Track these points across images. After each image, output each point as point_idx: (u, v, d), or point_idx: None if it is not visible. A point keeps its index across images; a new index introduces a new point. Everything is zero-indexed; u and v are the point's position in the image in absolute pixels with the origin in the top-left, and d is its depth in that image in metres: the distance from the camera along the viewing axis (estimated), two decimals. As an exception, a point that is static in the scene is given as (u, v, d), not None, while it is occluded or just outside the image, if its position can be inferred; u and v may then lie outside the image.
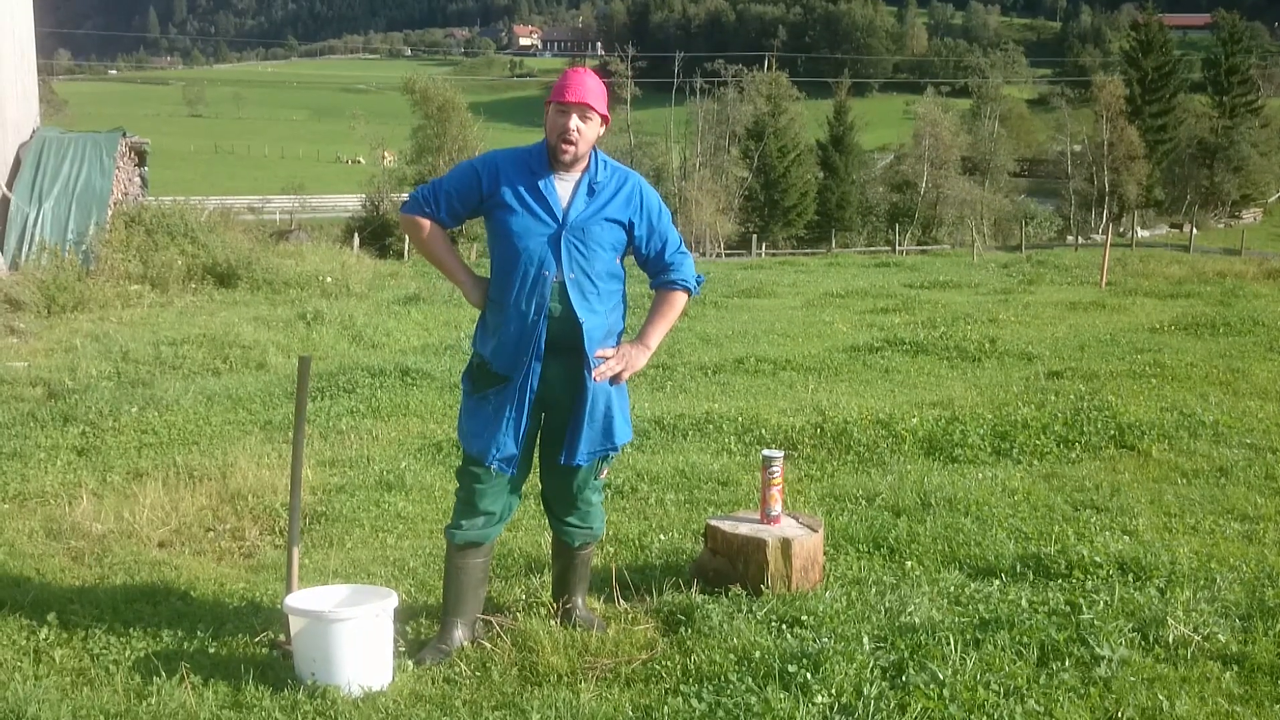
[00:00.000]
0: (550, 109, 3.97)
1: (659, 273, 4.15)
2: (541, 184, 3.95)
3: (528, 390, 3.96)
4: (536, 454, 4.21)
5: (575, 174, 4.00)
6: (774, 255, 43.24)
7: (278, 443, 7.41)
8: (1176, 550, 4.98)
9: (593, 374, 3.96)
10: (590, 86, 3.95)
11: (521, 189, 3.95)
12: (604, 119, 3.99)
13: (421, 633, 4.28)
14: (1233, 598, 4.34)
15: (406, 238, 34.77)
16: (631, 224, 4.04)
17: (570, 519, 4.22)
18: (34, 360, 10.54)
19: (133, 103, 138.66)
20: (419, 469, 6.78)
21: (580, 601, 4.33)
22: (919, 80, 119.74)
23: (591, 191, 3.99)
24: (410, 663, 3.97)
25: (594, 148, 4.04)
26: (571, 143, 3.91)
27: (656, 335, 4.13)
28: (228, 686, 3.77)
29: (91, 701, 3.66)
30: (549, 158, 3.99)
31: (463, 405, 4.14)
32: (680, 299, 4.17)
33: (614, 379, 4.04)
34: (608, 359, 3.99)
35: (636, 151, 55.42)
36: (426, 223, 4.04)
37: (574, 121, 3.91)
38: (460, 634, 4.12)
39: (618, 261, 4.07)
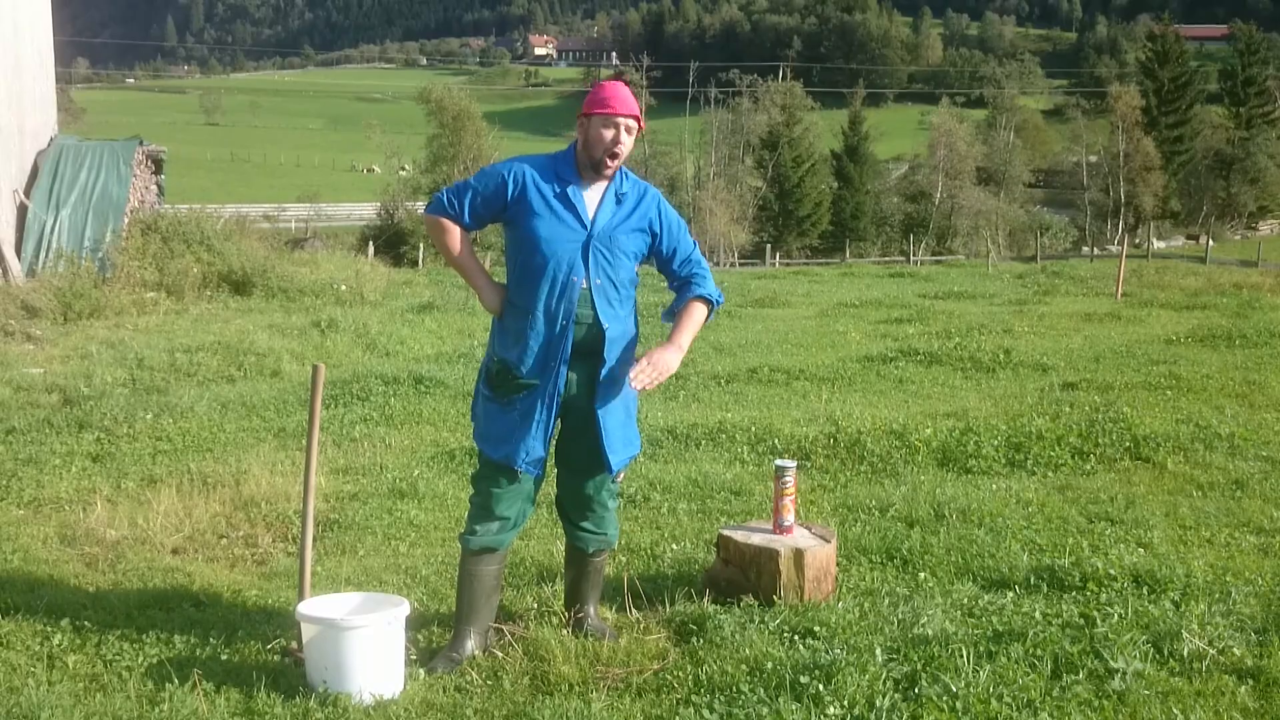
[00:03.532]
0: (592, 120, 4.00)
1: (682, 281, 4.19)
2: (570, 191, 4.01)
3: (555, 395, 4.01)
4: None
5: (601, 183, 4.06)
6: (788, 265, 43.23)
7: (291, 450, 7.42)
8: (1191, 563, 4.96)
9: (631, 382, 3.90)
10: (633, 99, 4.05)
11: (549, 195, 4.00)
12: (641, 129, 4.10)
13: (433, 641, 4.28)
14: (1248, 611, 4.31)
15: (420, 246, 35.05)
16: (654, 234, 4.13)
17: (585, 524, 4.23)
18: (50, 367, 10.59)
19: (150, 111, 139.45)
20: (432, 477, 6.79)
21: (593, 610, 4.33)
22: (934, 90, 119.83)
23: (618, 200, 4.06)
24: (422, 671, 3.98)
25: None
26: (619, 155, 3.99)
27: (686, 337, 4.09)
28: (240, 693, 3.78)
29: (104, 707, 3.67)
30: (577, 166, 4.05)
31: (482, 410, 4.12)
32: (703, 309, 4.18)
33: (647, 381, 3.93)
34: (641, 367, 3.91)
35: (651, 161, 55.52)
36: (449, 224, 4.07)
37: (623, 135, 3.99)
38: (473, 642, 4.12)
39: (635, 269, 4.15)
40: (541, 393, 4.00)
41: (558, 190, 4.01)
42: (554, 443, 4.18)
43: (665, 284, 4.32)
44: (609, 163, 3.99)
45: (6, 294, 14.03)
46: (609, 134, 3.97)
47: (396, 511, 6.12)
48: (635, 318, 4.18)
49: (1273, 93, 70.19)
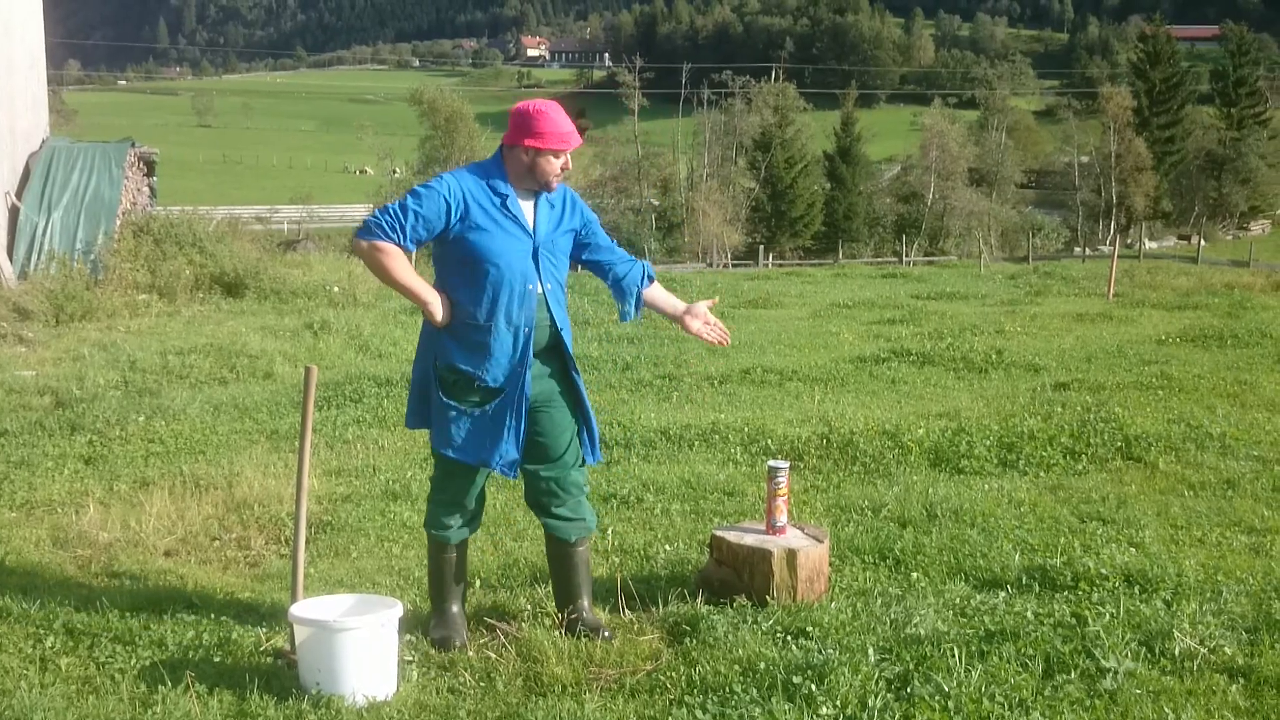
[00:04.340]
0: (542, 153, 4.08)
1: (620, 266, 4.40)
2: (509, 202, 4.13)
3: (524, 399, 4.14)
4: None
5: (531, 191, 4.20)
6: (781, 266, 43.24)
7: (284, 452, 7.42)
8: (1183, 562, 4.98)
9: (717, 341, 4.50)
10: (570, 120, 4.17)
11: (492, 209, 4.11)
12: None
13: (428, 644, 4.28)
14: (1239, 610, 4.33)
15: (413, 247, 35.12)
16: (579, 231, 4.32)
17: (562, 511, 4.31)
18: (42, 369, 10.56)
19: (142, 113, 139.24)
20: (425, 479, 6.78)
21: (587, 605, 4.37)
22: (926, 91, 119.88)
23: (550, 206, 4.23)
24: (415, 672, 3.98)
25: None
26: (557, 181, 4.17)
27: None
28: (232, 696, 3.78)
29: (97, 710, 3.67)
30: (509, 176, 4.15)
31: (445, 419, 4.19)
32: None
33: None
34: (712, 328, 4.52)
35: (644, 162, 55.53)
36: (391, 248, 4.08)
37: (569, 164, 4.17)
38: (457, 611, 4.28)
39: None
40: (510, 399, 4.13)
41: (498, 203, 4.11)
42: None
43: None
44: (550, 184, 4.15)
45: (-2, 296, 14.00)
46: (556, 164, 4.12)
47: (389, 513, 6.12)
48: None
49: (1264, 93, 70.43)
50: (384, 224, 4.05)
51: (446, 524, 4.28)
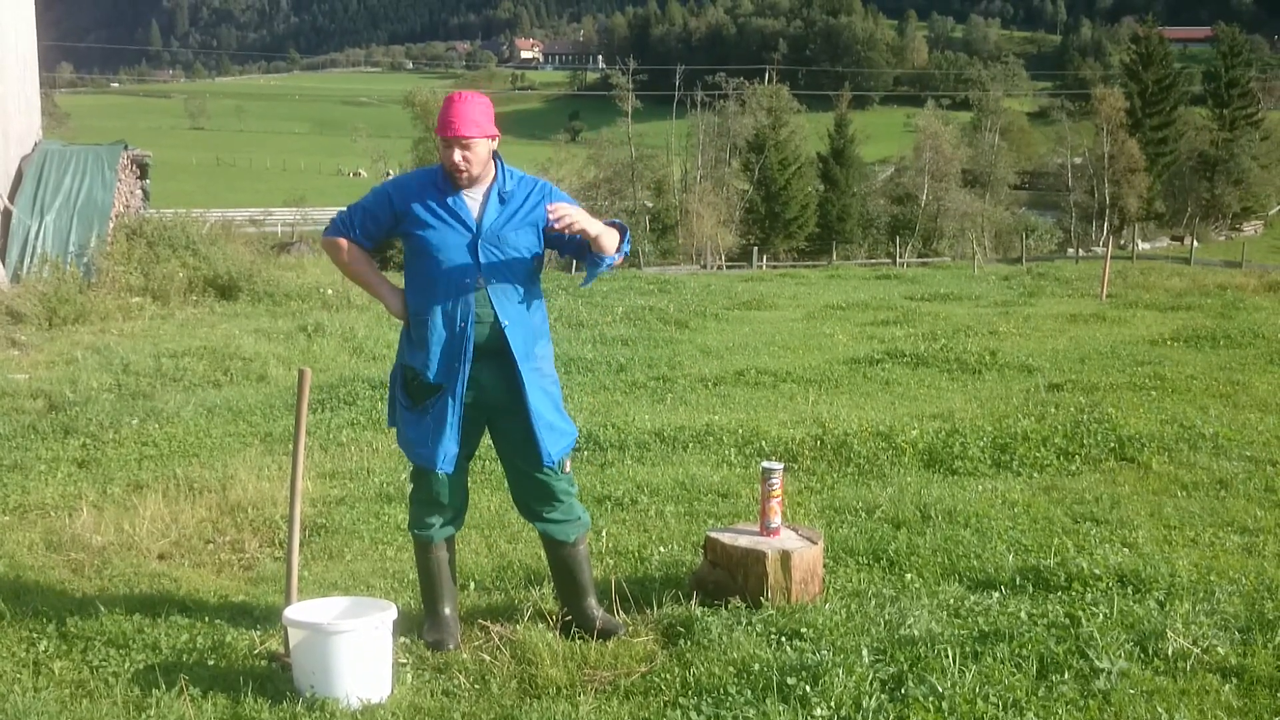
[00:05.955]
0: (440, 141, 4.16)
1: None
2: (451, 199, 4.17)
3: (462, 395, 4.15)
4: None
5: (483, 186, 4.20)
6: (775, 267, 43.28)
7: (278, 455, 7.41)
8: (1176, 563, 4.99)
9: (553, 219, 4.05)
10: (469, 117, 4.08)
11: (433, 204, 4.18)
12: (490, 138, 4.15)
13: (423, 647, 4.28)
14: (1232, 610, 4.34)
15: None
16: (551, 224, 4.14)
17: (554, 515, 4.31)
18: (35, 372, 10.54)
19: (135, 115, 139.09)
20: (419, 481, 6.77)
21: (594, 602, 4.39)
22: (919, 93, 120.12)
23: (502, 200, 4.20)
24: (410, 675, 3.98)
25: (499, 160, 4.22)
26: (462, 171, 4.13)
27: (604, 226, 4.18)
28: (227, 699, 3.78)
29: (90, 714, 3.67)
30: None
31: (400, 417, 4.30)
32: (614, 233, 4.21)
33: (570, 225, 4.07)
34: (561, 206, 4.07)
35: (638, 164, 55.55)
36: (344, 242, 4.29)
37: (457, 155, 4.09)
38: (450, 613, 4.31)
39: (534, 266, 4.27)
40: (449, 394, 4.15)
41: (440, 199, 4.17)
42: (494, 447, 4.37)
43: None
44: (456, 176, 4.14)
45: (-9, 299, 13.96)
46: (448, 154, 4.12)
47: (384, 516, 6.12)
48: (541, 315, 4.30)
49: (1256, 94, 70.57)
50: (338, 221, 4.29)
51: (428, 523, 4.32)
